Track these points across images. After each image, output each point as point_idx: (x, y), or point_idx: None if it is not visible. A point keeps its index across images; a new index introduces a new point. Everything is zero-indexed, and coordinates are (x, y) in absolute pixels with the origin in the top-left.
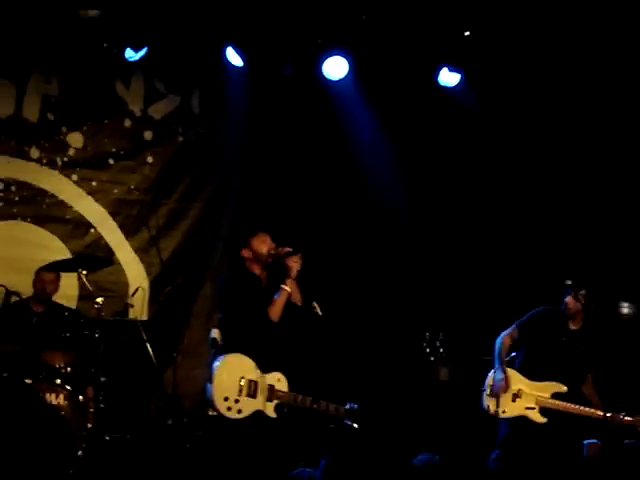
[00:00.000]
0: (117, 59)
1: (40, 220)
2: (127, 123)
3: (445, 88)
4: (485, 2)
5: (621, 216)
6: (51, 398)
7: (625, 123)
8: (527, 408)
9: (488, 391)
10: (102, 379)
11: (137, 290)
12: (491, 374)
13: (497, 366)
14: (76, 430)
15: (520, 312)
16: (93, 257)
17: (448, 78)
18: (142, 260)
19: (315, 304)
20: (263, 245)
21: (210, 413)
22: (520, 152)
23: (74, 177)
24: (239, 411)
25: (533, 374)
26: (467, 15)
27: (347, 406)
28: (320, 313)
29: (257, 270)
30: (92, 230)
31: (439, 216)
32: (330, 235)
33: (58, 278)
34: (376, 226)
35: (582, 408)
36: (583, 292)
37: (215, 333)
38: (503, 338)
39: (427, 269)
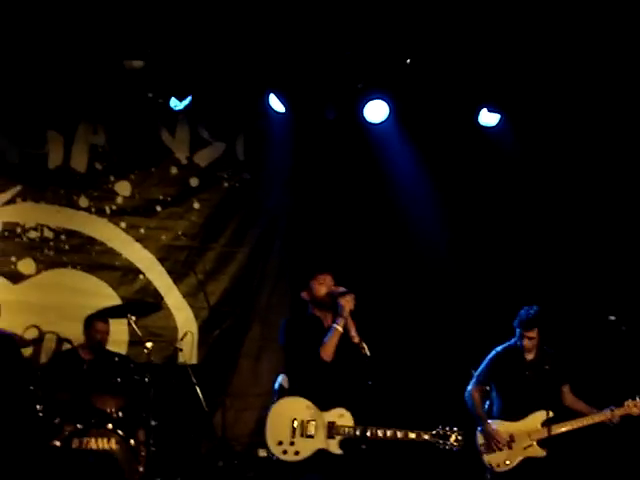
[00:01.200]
0: (162, 108)
1: (90, 268)
2: (173, 170)
3: (485, 128)
4: (523, 45)
5: None
6: (103, 443)
7: None
8: (525, 448)
9: (483, 449)
10: (153, 423)
11: (186, 334)
12: (478, 433)
13: (480, 423)
14: (129, 474)
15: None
16: (142, 303)
17: (488, 119)
18: (190, 305)
19: (364, 344)
20: (321, 287)
21: (260, 455)
22: (554, 192)
23: (122, 225)
24: (296, 453)
25: (514, 414)
26: (506, 56)
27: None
28: (368, 353)
29: (317, 312)
30: (141, 276)
31: (478, 256)
32: (374, 275)
33: (107, 324)
34: (417, 266)
35: (579, 420)
36: (533, 333)
37: (282, 379)
38: (472, 393)
39: (469, 306)
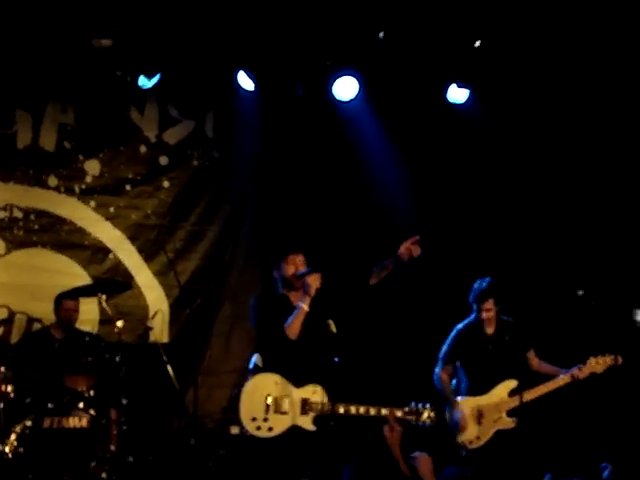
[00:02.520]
0: (131, 87)
1: (60, 247)
2: (143, 149)
3: (454, 105)
4: (492, 18)
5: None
6: (74, 422)
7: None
8: (495, 420)
9: (454, 430)
10: (124, 401)
11: (157, 313)
12: (447, 413)
13: (448, 403)
14: (100, 453)
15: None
16: (112, 282)
17: (457, 95)
18: (161, 283)
19: (330, 322)
20: (290, 267)
21: (232, 432)
22: (527, 166)
23: (92, 204)
24: (270, 429)
25: (481, 389)
26: (474, 31)
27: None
28: (335, 331)
29: (286, 291)
30: (111, 255)
31: (448, 229)
32: (343, 251)
33: (77, 303)
34: (388, 244)
35: (547, 384)
36: (489, 304)
37: (257, 358)
38: (439, 376)
39: (438, 280)
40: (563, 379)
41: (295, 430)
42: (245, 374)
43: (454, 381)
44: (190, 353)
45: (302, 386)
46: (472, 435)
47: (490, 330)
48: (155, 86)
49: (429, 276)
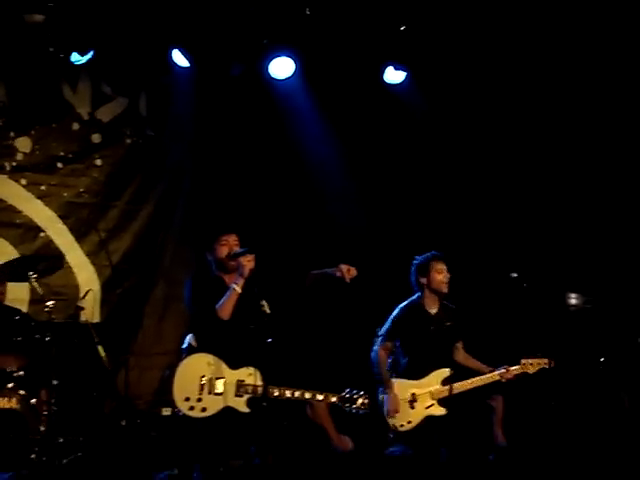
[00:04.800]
0: (63, 63)
1: None
2: (75, 126)
3: (391, 85)
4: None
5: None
6: (4, 402)
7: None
8: (427, 407)
9: (386, 412)
10: (55, 382)
11: (88, 292)
12: (380, 395)
13: (384, 384)
14: (30, 433)
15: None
16: (40, 258)
17: (394, 76)
18: (93, 263)
19: (264, 302)
20: (223, 248)
21: (164, 413)
22: (462, 148)
23: (23, 181)
24: (203, 409)
25: (417, 372)
26: (411, 11)
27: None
28: (268, 311)
29: (220, 272)
30: (42, 234)
31: (385, 211)
32: (278, 232)
33: (4, 283)
34: (325, 223)
35: (476, 379)
36: (441, 265)
37: (190, 338)
38: (378, 353)
39: (378, 263)
40: (492, 377)
41: (228, 411)
42: (178, 355)
43: (389, 359)
44: (122, 334)
45: (237, 368)
46: (404, 419)
47: (433, 310)
48: (88, 63)
49: (366, 261)
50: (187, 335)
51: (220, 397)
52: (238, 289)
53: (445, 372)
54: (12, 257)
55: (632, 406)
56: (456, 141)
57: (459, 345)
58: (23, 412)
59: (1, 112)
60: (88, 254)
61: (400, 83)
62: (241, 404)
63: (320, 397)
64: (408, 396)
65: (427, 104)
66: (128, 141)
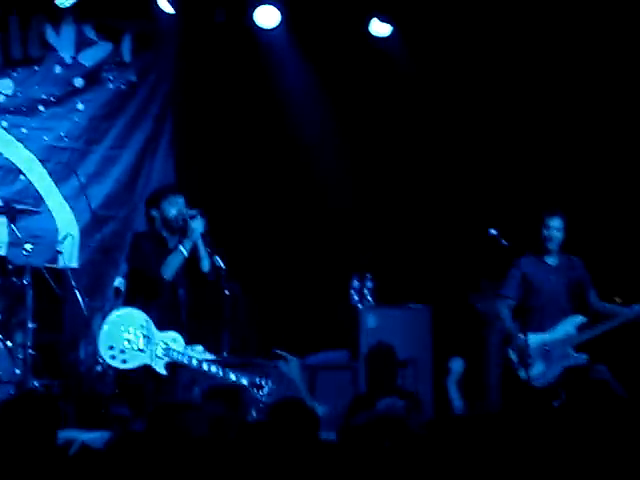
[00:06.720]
0: (47, 5)
1: None
2: (57, 70)
3: (377, 39)
4: None
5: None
6: None
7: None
8: (563, 356)
9: (518, 367)
10: (31, 325)
11: (66, 237)
12: (511, 350)
13: (512, 337)
14: (5, 376)
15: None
16: (20, 201)
17: (379, 29)
18: (72, 207)
19: (217, 257)
20: (172, 208)
21: None
22: (445, 104)
23: (4, 124)
24: (124, 361)
25: (546, 324)
26: None
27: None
28: (223, 266)
29: (165, 232)
30: (22, 177)
31: (369, 165)
32: (256, 190)
33: None
34: (306, 179)
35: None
36: (557, 222)
37: (119, 282)
38: (502, 310)
39: (355, 211)
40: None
41: (147, 370)
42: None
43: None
44: (99, 279)
45: (164, 330)
46: (539, 371)
47: (553, 262)
48: (72, 5)
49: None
50: (117, 278)
51: (141, 354)
52: (185, 252)
53: (577, 318)
54: None
55: None
56: (440, 96)
57: (592, 293)
58: None
59: None
60: (67, 198)
61: (387, 37)
62: (159, 365)
63: (232, 377)
64: (541, 349)
65: (412, 59)
66: (111, 86)
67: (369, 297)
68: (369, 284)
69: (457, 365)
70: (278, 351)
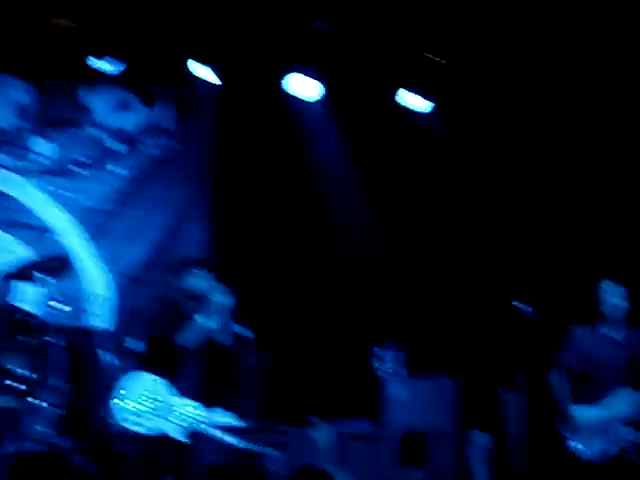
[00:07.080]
0: (93, 71)
1: None
2: (96, 133)
3: (414, 113)
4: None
5: None
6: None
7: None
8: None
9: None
10: (64, 386)
11: (100, 298)
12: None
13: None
14: (33, 435)
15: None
16: (53, 260)
17: (417, 102)
18: (107, 269)
19: (245, 327)
20: (194, 280)
21: None
22: (481, 179)
23: (39, 184)
24: (137, 424)
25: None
26: (439, 41)
27: None
28: (251, 336)
29: (187, 301)
30: (56, 237)
31: (400, 235)
32: (287, 260)
33: None
34: (336, 247)
35: None
36: None
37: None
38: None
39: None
40: None
41: (163, 436)
42: None
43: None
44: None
45: (183, 397)
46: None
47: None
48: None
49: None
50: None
51: (157, 419)
52: (205, 324)
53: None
54: (25, 258)
55: None
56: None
57: None
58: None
59: (26, 115)
60: (102, 260)
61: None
62: (178, 433)
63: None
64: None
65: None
66: (149, 152)
67: (396, 367)
68: (396, 354)
69: (482, 439)
70: (310, 417)
